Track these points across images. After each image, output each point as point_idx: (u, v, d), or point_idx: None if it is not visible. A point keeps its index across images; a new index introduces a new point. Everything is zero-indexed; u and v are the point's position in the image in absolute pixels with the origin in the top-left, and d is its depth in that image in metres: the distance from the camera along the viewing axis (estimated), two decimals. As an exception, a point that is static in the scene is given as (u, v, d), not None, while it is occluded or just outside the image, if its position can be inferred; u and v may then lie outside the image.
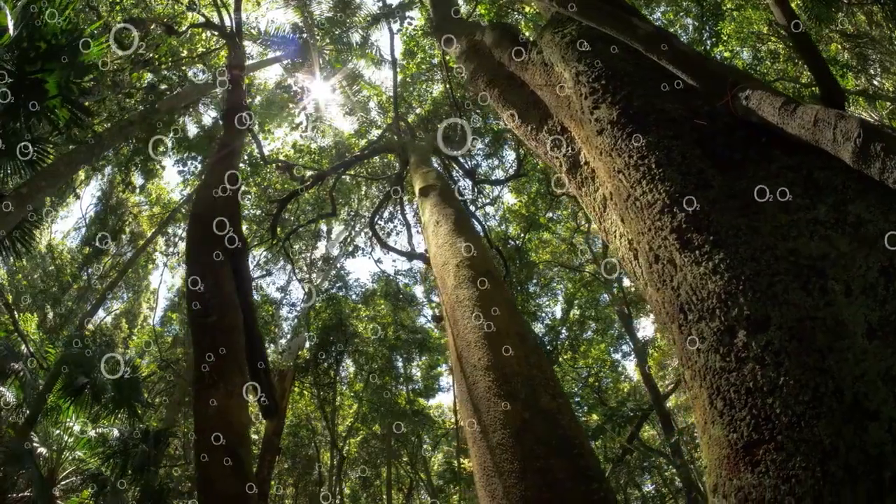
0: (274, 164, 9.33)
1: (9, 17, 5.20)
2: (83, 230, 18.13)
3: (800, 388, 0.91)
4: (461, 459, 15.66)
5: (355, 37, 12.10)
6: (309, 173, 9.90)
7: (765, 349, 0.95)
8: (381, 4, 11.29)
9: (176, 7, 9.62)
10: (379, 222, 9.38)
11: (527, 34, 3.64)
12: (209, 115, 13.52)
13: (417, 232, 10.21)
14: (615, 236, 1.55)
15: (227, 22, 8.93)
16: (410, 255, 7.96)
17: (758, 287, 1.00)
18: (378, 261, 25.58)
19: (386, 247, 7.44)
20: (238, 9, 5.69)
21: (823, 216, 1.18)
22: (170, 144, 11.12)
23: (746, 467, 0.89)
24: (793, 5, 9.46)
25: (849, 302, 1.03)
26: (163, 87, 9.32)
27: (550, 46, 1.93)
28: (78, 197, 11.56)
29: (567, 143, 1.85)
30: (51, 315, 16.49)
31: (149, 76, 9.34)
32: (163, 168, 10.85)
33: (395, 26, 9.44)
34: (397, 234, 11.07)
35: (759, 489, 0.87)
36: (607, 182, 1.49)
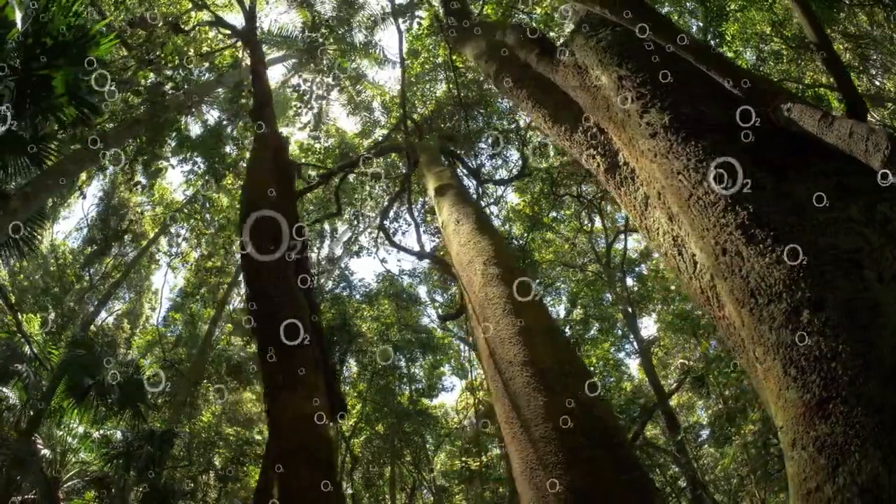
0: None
1: (17, 11, 5.12)
2: (84, 230, 18.10)
3: (854, 356, 1.10)
4: (471, 457, 15.68)
5: (359, 37, 12.13)
6: (311, 173, 9.90)
7: (825, 324, 1.14)
8: (386, 3, 11.31)
9: (181, 5, 9.59)
10: (384, 222, 9.41)
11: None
12: (212, 115, 13.52)
13: (424, 231, 10.25)
14: (657, 233, 1.63)
15: (231, 20, 8.92)
16: (421, 255, 8.00)
17: (813, 274, 1.20)
18: (383, 261, 25.55)
19: (396, 246, 7.50)
20: (253, 5, 5.65)
21: (856, 215, 1.35)
22: (172, 144, 11.08)
23: (820, 420, 1.07)
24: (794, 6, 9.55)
25: (882, 287, 1.20)
26: (168, 87, 9.30)
27: (585, 49, 1.98)
28: (84, 196, 11.48)
29: (605, 145, 1.90)
30: (53, 315, 16.45)
31: (152, 76, 9.31)
32: (172, 167, 10.79)
33: (404, 25, 9.43)
34: (403, 233, 11.07)
35: (832, 436, 1.05)
36: (660, 182, 1.56)
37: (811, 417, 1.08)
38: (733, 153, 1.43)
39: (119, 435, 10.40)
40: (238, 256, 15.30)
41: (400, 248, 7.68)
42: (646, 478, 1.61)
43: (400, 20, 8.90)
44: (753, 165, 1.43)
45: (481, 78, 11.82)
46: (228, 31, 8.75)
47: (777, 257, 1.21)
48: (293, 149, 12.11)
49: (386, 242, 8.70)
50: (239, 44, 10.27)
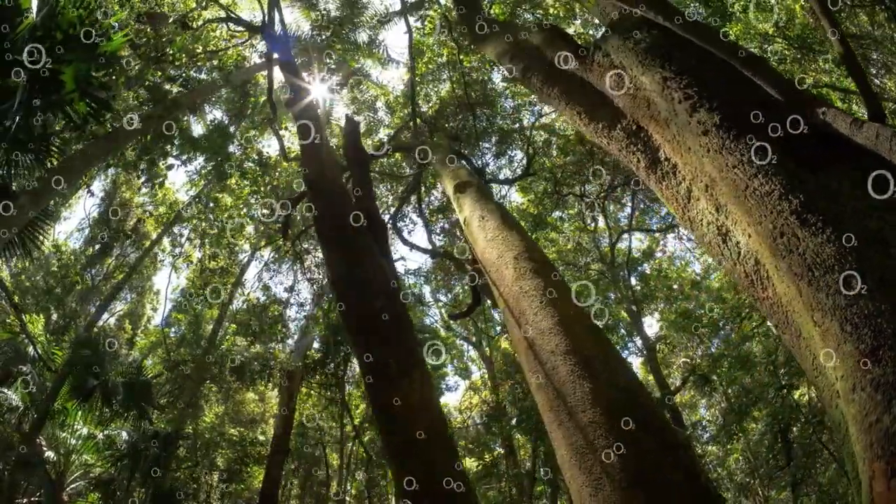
0: (295, 162, 9.37)
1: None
2: (86, 231, 18.02)
3: (892, 314, 1.33)
4: (474, 456, 15.71)
5: (363, 36, 12.16)
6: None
7: (869, 290, 1.38)
8: (391, 3, 11.35)
9: (186, 3, 9.53)
10: (396, 222, 9.45)
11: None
12: (215, 115, 13.49)
13: (431, 230, 10.27)
14: (701, 224, 1.75)
15: (238, 16, 8.87)
16: (434, 253, 8.02)
17: (855, 250, 1.44)
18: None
19: (410, 245, 7.53)
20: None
21: (878, 203, 1.56)
22: (176, 143, 11.04)
23: (874, 364, 1.29)
24: (796, 7, 9.66)
25: None
26: (175, 85, 9.27)
27: (623, 51, 2.06)
28: (92, 194, 11.39)
29: (645, 141, 1.99)
30: (55, 316, 16.38)
31: (160, 74, 9.26)
32: (182, 164, 10.73)
33: (414, 22, 9.45)
34: (410, 232, 11.08)
35: (884, 376, 1.26)
36: (709, 175, 1.67)
37: (866, 363, 1.29)
38: (780, 151, 1.59)
39: (124, 436, 10.35)
40: (241, 256, 15.28)
41: (414, 246, 7.71)
42: (691, 456, 1.69)
43: (410, 17, 8.92)
44: (793, 161, 1.58)
45: (485, 78, 11.91)
46: (240, 28, 8.70)
47: (826, 237, 1.42)
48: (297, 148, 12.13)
49: (398, 241, 8.72)
50: (246, 42, 10.27)
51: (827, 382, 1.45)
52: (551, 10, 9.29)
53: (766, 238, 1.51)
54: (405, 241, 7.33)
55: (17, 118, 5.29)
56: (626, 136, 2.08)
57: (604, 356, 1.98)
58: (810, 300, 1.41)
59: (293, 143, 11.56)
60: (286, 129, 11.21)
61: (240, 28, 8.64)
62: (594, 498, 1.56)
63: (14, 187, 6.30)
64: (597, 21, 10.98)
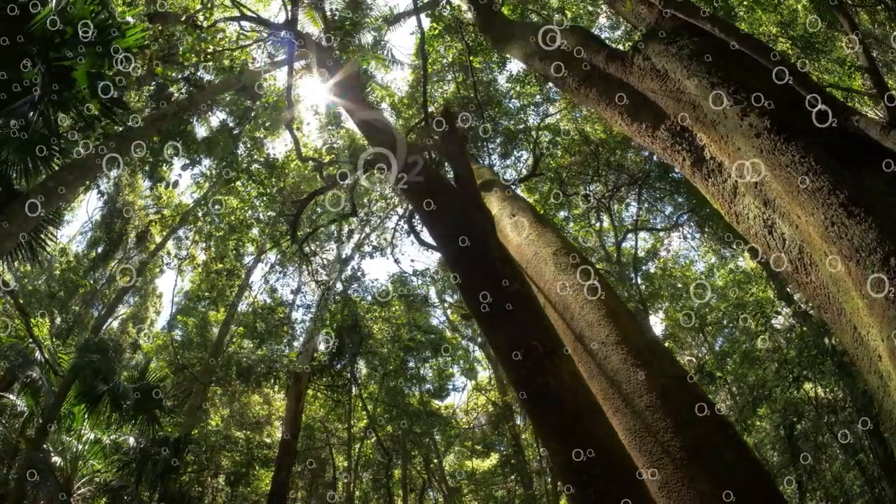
0: (311, 162, 9.42)
1: None
2: (88, 234, 17.97)
3: None
4: (478, 457, 15.75)
5: (368, 37, 12.23)
6: (326, 173, 9.98)
7: None
8: (395, 4, 11.37)
9: (193, 3, 9.50)
10: (403, 222, 9.49)
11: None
12: (217, 117, 13.50)
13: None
14: (747, 217, 1.89)
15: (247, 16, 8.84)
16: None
17: (891, 235, 1.66)
18: (397, 261, 25.82)
19: (425, 244, 7.55)
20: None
21: None
22: (179, 147, 11.04)
23: None
24: (799, 6, 9.80)
25: None
26: (182, 88, 9.28)
27: (666, 56, 2.17)
28: (102, 194, 11.32)
29: (689, 142, 2.09)
30: (59, 320, 16.34)
31: (169, 73, 9.22)
32: (198, 163, 10.69)
33: (426, 20, 9.54)
34: (408, 234, 11.12)
35: None
36: (759, 173, 1.82)
37: None
38: (822, 151, 1.76)
39: (132, 441, 10.29)
40: (247, 259, 15.29)
41: (431, 246, 7.71)
42: (738, 435, 1.79)
43: (429, 14, 9.00)
44: (834, 160, 1.72)
45: (489, 78, 12.01)
46: (248, 28, 8.71)
47: (869, 224, 1.64)
48: (304, 151, 12.17)
49: (414, 242, 8.72)
50: (254, 44, 10.31)
51: (867, 351, 1.61)
52: (568, 12, 9.41)
53: (818, 227, 1.69)
54: (422, 242, 7.35)
55: (31, 115, 5.15)
56: (670, 136, 2.18)
57: (651, 345, 2.07)
58: (858, 276, 1.61)
59: (301, 143, 11.57)
60: (298, 129, 11.26)
61: (248, 28, 8.65)
62: (656, 477, 1.65)
63: (19, 189, 6.21)
64: (600, 22, 11.12)
